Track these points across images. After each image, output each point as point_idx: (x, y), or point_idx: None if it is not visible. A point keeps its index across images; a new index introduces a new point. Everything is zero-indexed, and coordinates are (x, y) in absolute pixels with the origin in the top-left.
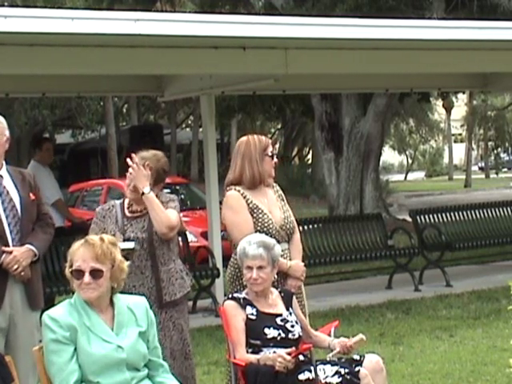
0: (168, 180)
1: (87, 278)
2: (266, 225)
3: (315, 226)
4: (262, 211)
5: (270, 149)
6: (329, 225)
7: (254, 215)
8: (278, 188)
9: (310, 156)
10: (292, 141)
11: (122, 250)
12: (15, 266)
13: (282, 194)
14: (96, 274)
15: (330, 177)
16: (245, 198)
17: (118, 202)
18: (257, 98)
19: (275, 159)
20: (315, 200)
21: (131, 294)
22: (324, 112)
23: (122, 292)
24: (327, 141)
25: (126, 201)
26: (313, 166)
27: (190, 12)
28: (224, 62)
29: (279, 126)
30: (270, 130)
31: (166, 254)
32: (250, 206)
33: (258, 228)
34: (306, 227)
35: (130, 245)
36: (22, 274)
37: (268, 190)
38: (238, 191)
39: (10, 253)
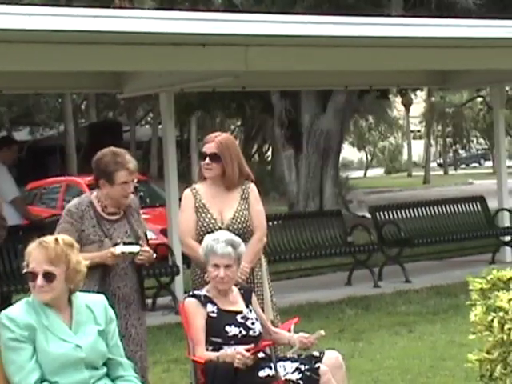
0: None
1: (40, 280)
2: (205, 224)
3: (275, 222)
4: (208, 210)
5: (202, 148)
6: (288, 221)
7: (198, 214)
8: (248, 187)
9: (269, 153)
10: (252, 138)
11: (123, 253)
12: None
13: (251, 194)
14: (49, 276)
15: (289, 174)
16: (195, 196)
17: (86, 200)
18: (216, 95)
19: (207, 160)
20: (275, 197)
21: (115, 294)
22: (283, 109)
23: (102, 292)
24: (287, 138)
25: (95, 200)
26: (272, 163)
27: (149, 9)
28: (183, 58)
29: (239, 123)
30: (230, 127)
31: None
32: (197, 205)
33: (199, 227)
34: None
35: (135, 248)
36: None
37: (232, 189)
38: (193, 189)
39: None
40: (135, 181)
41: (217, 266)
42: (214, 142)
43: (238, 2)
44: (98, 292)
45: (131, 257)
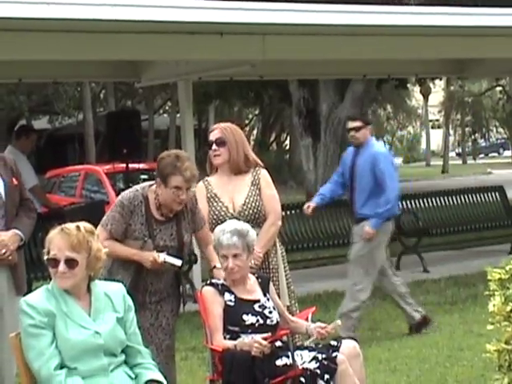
0: (146, 166)
1: (62, 267)
2: (217, 213)
3: (293, 211)
4: (219, 199)
5: (209, 137)
6: None
7: (210, 204)
8: (258, 173)
9: (287, 142)
10: (270, 127)
11: (165, 262)
12: (3, 251)
13: (261, 180)
14: (71, 263)
15: (307, 163)
16: (207, 187)
17: (141, 194)
18: (234, 83)
19: (214, 147)
20: (293, 186)
21: (147, 289)
22: (301, 98)
23: (135, 285)
24: (305, 127)
25: (151, 195)
26: (290, 152)
27: None
28: (201, 47)
29: (257, 112)
30: (248, 116)
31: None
32: (209, 195)
33: (210, 216)
34: (283, 213)
35: (178, 262)
36: (10, 258)
37: (242, 175)
38: (205, 181)
39: None
40: (192, 189)
41: (225, 256)
42: (219, 128)
43: None
44: (130, 284)
45: (171, 267)
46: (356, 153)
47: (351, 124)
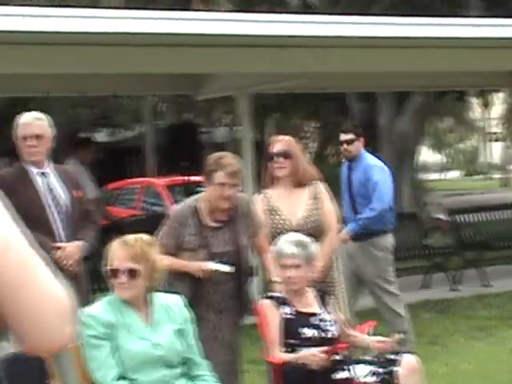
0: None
1: (123, 277)
2: (274, 226)
3: None
4: (277, 212)
5: (272, 149)
6: None
7: (271, 216)
8: (317, 187)
9: None
10: (328, 140)
11: (214, 271)
12: (67, 262)
13: (320, 194)
14: (132, 273)
15: None
16: (266, 200)
17: (192, 205)
18: (293, 96)
19: (278, 159)
20: None
21: (205, 299)
22: (360, 111)
23: (192, 297)
24: None
25: (202, 204)
26: None
27: (225, 11)
28: (260, 60)
29: (316, 125)
30: (307, 129)
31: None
32: (268, 207)
33: (271, 229)
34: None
35: (226, 268)
36: (71, 269)
37: (302, 189)
38: (264, 194)
39: (60, 248)
40: (239, 188)
41: (285, 266)
42: (283, 141)
43: (314, 4)
44: (188, 296)
45: (222, 275)
46: (350, 167)
47: (344, 137)
